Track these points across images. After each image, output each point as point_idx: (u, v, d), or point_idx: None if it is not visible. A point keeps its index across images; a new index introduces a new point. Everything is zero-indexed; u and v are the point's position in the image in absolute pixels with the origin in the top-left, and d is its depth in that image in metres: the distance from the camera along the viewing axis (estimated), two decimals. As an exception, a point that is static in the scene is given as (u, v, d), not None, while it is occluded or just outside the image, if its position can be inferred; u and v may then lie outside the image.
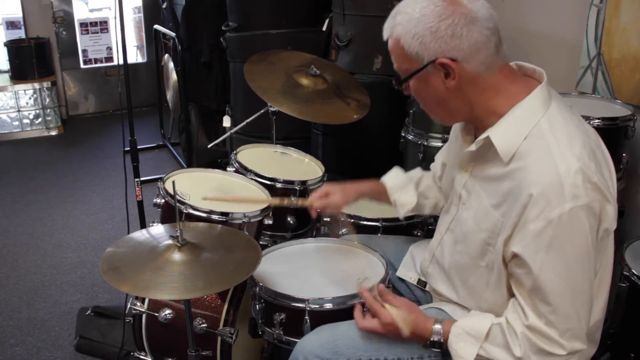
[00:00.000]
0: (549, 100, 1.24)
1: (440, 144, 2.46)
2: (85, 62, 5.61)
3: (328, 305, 1.51)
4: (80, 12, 5.52)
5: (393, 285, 1.69)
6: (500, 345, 1.24)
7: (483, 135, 1.27)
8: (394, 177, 1.73)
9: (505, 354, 1.23)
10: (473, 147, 1.31)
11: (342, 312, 1.50)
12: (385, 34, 1.28)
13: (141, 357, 1.85)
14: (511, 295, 1.29)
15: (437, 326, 1.31)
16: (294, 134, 3.05)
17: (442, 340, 1.30)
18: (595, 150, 1.22)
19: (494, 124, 1.25)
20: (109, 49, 5.65)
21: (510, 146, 1.22)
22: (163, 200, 1.86)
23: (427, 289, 1.61)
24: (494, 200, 1.26)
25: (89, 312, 2.50)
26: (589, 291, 1.20)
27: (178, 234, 1.42)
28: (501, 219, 1.24)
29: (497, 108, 1.25)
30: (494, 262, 1.28)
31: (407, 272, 1.69)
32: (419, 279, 1.65)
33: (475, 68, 1.22)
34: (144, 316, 1.79)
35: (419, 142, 2.50)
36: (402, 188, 1.70)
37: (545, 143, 1.18)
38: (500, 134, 1.24)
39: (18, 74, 5.08)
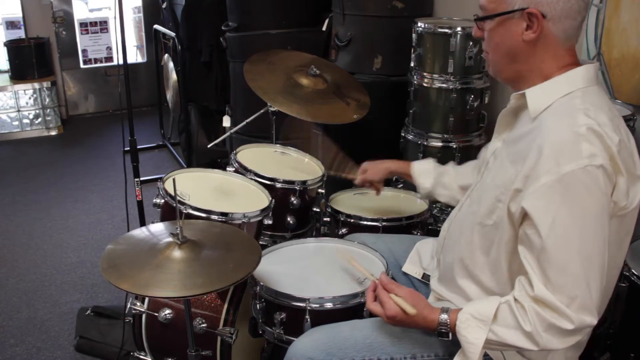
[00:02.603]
0: (593, 82, 1.27)
1: (440, 144, 2.46)
2: (85, 62, 5.61)
3: (328, 305, 1.51)
4: (80, 12, 5.53)
5: (396, 281, 1.70)
6: (510, 325, 1.21)
7: (520, 92, 1.30)
8: (421, 163, 1.88)
9: (516, 334, 1.20)
10: (511, 102, 1.34)
11: (342, 311, 1.51)
12: None
13: (141, 357, 1.85)
14: (511, 264, 1.28)
15: (444, 316, 1.29)
16: (294, 134, 3.05)
17: (449, 330, 1.28)
18: (622, 132, 1.22)
19: None
20: (109, 49, 5.65)
21: (540, 104, 1.25)
22: (163, 201, 1.86)
23: (430, 282, 1.61)
24: (513, 156, 1.28)
25: (88, 312, 2.50)
26: (601, 260, 1.17)
27: (178, 232, 1.41)
28: (514, 172, 1.24)
29: (548, 75, 1.27)
30: (502, 218, 1.27)
31: (413, 267, 1.69)
32: (424, 274, 1.65)
33: (557, 32, 1.24)
34: (143, 316, 1.79)
35: (419, 142, 2.50)
36: (423, 173, 1.83)
37: (572, 106, 1.21)
38: (535, 91, 1.27)
39: (18, 74, 5.08)
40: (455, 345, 1.31)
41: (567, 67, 1.27)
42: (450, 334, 1.29)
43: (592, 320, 1.17)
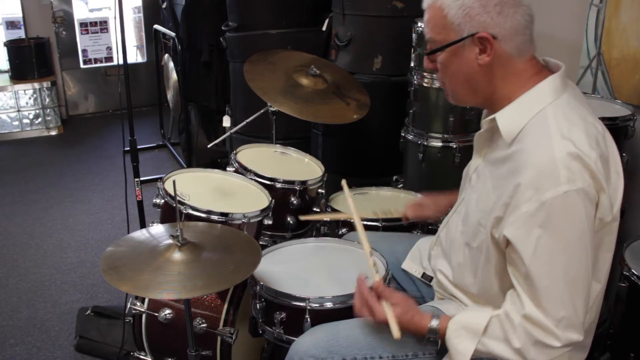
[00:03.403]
0: (562, 91, 1.25)
1: (440, 144, 2.46)
2: (85, 62, 5.60)
3: (328, 304, 1.51)
4: (80, 12, 5.52)
5: (397, 281, 1.70)
6: (499, 338, 1.23)
7: (490, 117, 1.29)
8: None
9: (503, 347, 1.22)
10: (482, 128, 1.34)
11: (342, 311, 1.50)
12: (426, 1, 1.28)
13: (141, 357, 1.85)
14: (501, 281, 1.29)
15: (434, 323, 1.30)
16: (293, 134, 3.05)
17: (438, 338, 1.30)
18: (600, 141, 1.21)
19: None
20: (109, 49, 5.65)
21: (512, 128, 1.24)
22: (162, 201, 1.86)
23: (431, 283, 1.61)
24: (495, 182, 1.28)
25: (88, 312, 2.50)
26: (586, 280, 1.18)
27: (178, 234, 1.42)
28: (495, 199, 1.24)
29: (513, 94, 1.27)
30: (483, 242, 1.28)
31: (413, 265, 1.69)
32: (424, 273, 1.66)
33: (510, 50, 1.24)
34: (143, 316, 1.79)
35: (419, 142, 2.50)
36: None
37: (546, 127, 1.19)
38: (505, 115, 1.26)
39: (18, 74, 5.08)
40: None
41: (531, 80, 1.26)
42: (439, 341, 1.30)
43: (579, 337, 1.19)
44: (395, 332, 1.30)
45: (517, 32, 1.23)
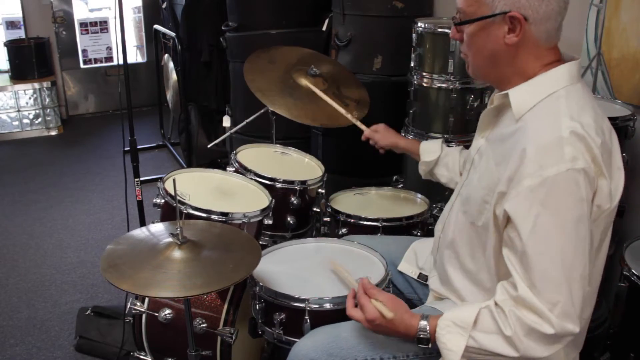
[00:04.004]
0: (577, 80, 1.26)
1: (440, 144, 2.46)
2: (85, 62, 5.61)
3: (328, 305, 1.51)
4: (80, 12, 5.53)
5: (394, 284, 1.70)
6: (490, 330, 1.20)
7: (503, 92, 1.30)
8: (429, 142, 1.91)
9: (496, 340, 1.19)
10: (492, 104, 1.34)
11: (342, 312, 1.49)
12: None
13: (141, 357, 1.85)
14: (498, 265, 1.28)
15: (423, 322, 1.27)
16: (293, 134, 3.05)
17: (428, 336, 1.27)
18: (606, 133, 1.22)
19: None
20: (109, 49, 5.65)
21: (523, 104, 1.25)
22: (163, 201, 1.86)
23: (427, 280, 1.61)
24: (498, 158, 1.28)
25: (88, 312, 2.50)
26: (582, 269, 1.16)
27: (178, 232, 1.41)
28: (498, 175, 1.24)
29: (530, 75, 1.27)
30: (489, 220, 1.27)
31: (409, 266, 1.69)
32: (420, 274, 1.65)
33: (539, 34, 1.24)
34: (143, 316, 1.79)
35: (419, 142, 2.49)
36: (428, 151, 1.87)
37: (557, 107, 1.20)
38: (518, 92, 1.27)
39: (18, 73, 5.08)
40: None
41: (550, 66, 1.27)
42: (429, 341, 1.27)
43: (574, 327, 1.15)
44: (387, 313, 1.28)
45: (550, 17, 1.23)
